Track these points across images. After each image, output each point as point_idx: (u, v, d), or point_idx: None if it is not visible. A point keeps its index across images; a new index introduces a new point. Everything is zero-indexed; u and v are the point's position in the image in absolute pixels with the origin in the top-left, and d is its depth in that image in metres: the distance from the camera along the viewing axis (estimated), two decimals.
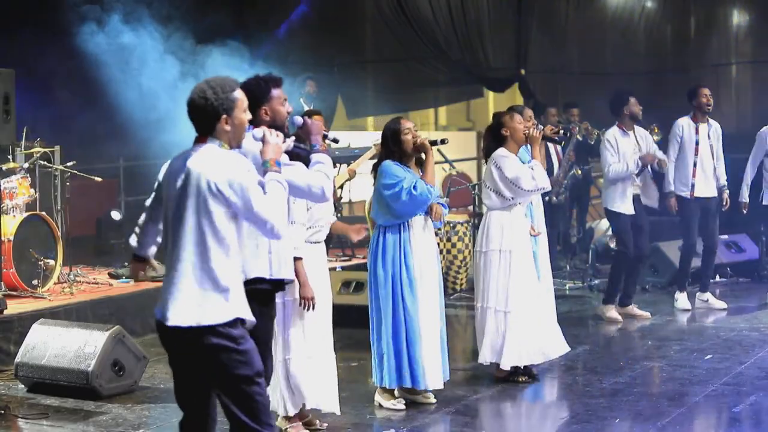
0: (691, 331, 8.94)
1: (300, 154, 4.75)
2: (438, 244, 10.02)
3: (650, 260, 10.88)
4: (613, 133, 9.14)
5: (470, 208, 11.10)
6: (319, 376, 5.75)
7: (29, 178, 9.01)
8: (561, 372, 7.42)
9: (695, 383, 6.96)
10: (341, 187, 9.66)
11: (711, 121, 9.56)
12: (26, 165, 9.06)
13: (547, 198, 9.69)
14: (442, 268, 10.03)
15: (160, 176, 4.24)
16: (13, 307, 7.82)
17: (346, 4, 14.10)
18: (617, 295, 9.33)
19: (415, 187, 6.18)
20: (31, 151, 9.23)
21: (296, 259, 5.39)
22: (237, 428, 4.05)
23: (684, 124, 9.48)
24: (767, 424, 6.25)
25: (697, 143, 9.44)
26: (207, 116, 4.04)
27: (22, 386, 6.94)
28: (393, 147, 6.33)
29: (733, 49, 14.15)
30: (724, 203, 9.58)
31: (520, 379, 7.00)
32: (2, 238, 8.28)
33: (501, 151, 6.95)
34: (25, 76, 9.62)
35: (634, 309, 9.37)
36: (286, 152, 4.42)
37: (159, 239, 4.47)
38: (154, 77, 8.46)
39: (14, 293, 8.29)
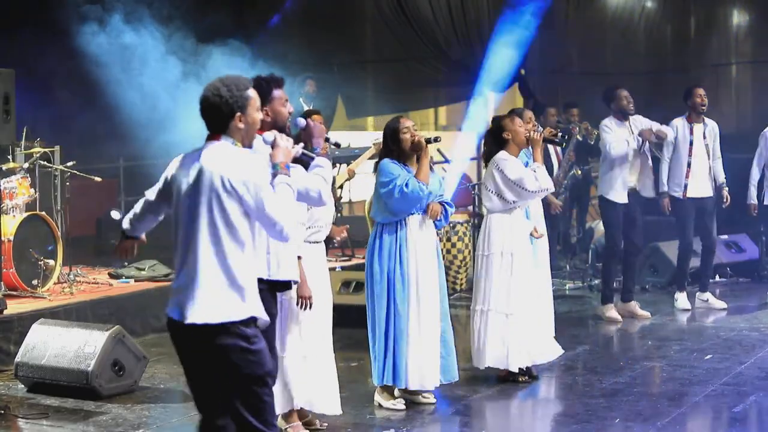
0: (691, 331, 8.95)
1: (302, 159, 4.73)
2: None
3: (650, 260, 10.90)
4: (609, 120, 9.20)
5: (470, 208, 11.10)
6: (314, 377, 5.74)
7: (29, 178, 9.00)
8: (561, 372, 7.42)
9: (695, 383, 6.96)
10: (341, 187, 9.67)
11: (707, 120, 9.56)
12: (26, 165, 9.05)
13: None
14: None
15: (169, 172, 4.21)
16: (13, 307, 7.82)
17: (346, 4, 14.09)
18: (613, 293, 9.34)
19: (406, 185, 6.19)
20: (31, 151, 9.23)
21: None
22: (242, 427, 4.05)
23: (678, 124, 9.50)
24: (767, 424, 6.25)
25: (691, 143, 9.45)
26: (221, 114, 4.04)
27: (22, 386, 6.94)
28: (392, 146, 6.35)
29: (733, 49, 14.15)
30: (725, 200, 9.57)
31: (520, 379, 7.01)
32: (2, 238, 8.28)
33: (502, 155, 6.95)
34: (25, 76, 9.62)
35: (636, 307, 9.37)
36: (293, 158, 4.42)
37: (152, 225, 4.49)
38: (155, 77, 8.46)
39: (14, 293, 8.28)
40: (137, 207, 4.50)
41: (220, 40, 8.98)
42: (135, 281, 9.23)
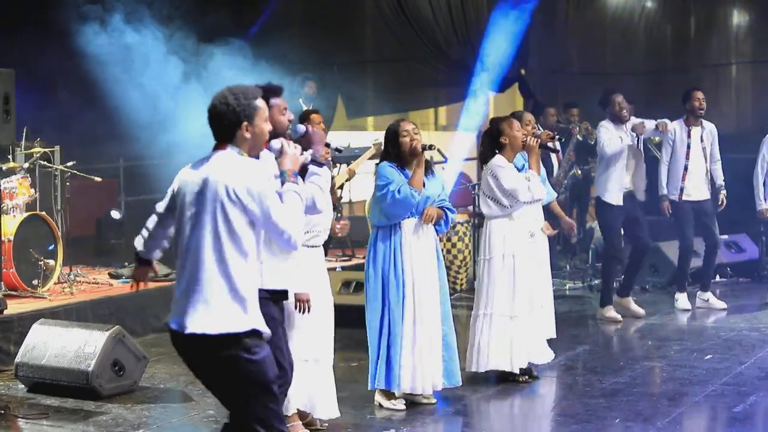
0: (691, 331, 8.95)
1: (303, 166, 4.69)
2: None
3: (650, 260, 10.91)
4: (606, 122, 9.22)
5: (470, 208, 11.10)
6: (314, 381, 5.73)
7: (29, 178, 9.01)
8: (561, 372, 7.42)
9: (695, 383, 6.96)
10: (341, 187, 9.66)
11: (705, 123, 9.57)
12: (26, 165, 9.06)
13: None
14: None
15: (175, 185, 4.19)
16: (13, 307, 7.82)
17: (346, 4, 14.08)
18: (612, 295, 9.35)
19: (399, 191, 6.19)
20: (31, 151, 9.24)
21: None
22: None
23: (676, 127, 9.52)
24: (767, 424, 6.25)
25: (688, 146, 9.47)
26: (228, 122, 4.02)
27: (22, 386, 6.94)
28: (392, 149, 6.34)
29: (733, 49, 14.15)
30: (720, 203, 9.60)
31: (520, 379, 7.01)
32: (2, 238, 8.28)
33: (498, 160, 6.95)
34: (25, 76, 9.62)
35: (630, 302, 9.40)
36: (303, 164, 4.42)
37: (166, 244, 4.44)
38: (155, 77, 8.46)
39: (14, 293, 8.29)
40: (148, 223, 4.46)
41: (220, 40, 8.98)
42: (136, 286, 9.20)
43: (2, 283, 8.26)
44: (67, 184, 9.50)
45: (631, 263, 9.39)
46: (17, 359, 6.91)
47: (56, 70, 11.38)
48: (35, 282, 8.51)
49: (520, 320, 6.90)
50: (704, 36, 14.14)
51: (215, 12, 11.10)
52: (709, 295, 9.82)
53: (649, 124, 9.35)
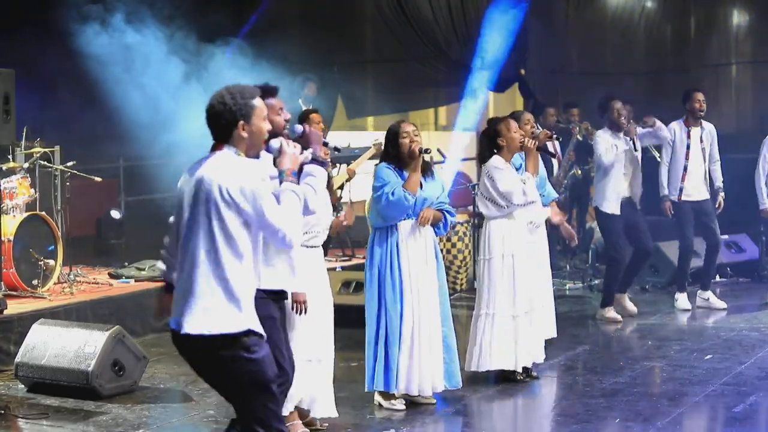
0: (691, 331, 8.95)
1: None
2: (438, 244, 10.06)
3: (650, 260, 10.90)
4: (602, 132, 9.19)
5: (470, 208, 11.10)
6: (313, 381, 5.73)
7: (29, 178, 9.01)
8: (561, 372, 7.42)
9: (695, 383, 6.96)
10: (341, 187, 9.66)
11: (705, 123, 9.58)
12: (26, 165, 9.06)
13: None
14: None
15: (178, 190, 4.17)
16: (13, 307, 7.82)
17: (346, 4, 14.08)
18: (613, 297, 9.34)
19: (393, 193, 6.19)
20: (31, 151, 9.23)
21: None
22: None
23: (675, 128, 9.53)
24: (767, 424, 6.25)
25: (688, 147, 9.48)
26: (224, 122, 4.02)
27: (22, 386, 6.94)
28: (391, 150, 6.34)
29: (733, 49, 14.15)
30: (718, 205, 9.61)
31: (519, 377, 7.01)
32: (2, 238, 8.28)
33: (495, 162, 6.95)
34: (25, 76, 9.61)
35: (626, 299, 9.42)
36: (302, 163, 4.40)
37: None
38: (155, 77, 8.46)
39: (14, 293, 8.29)
40: (165, 239, 4.42)
41: (221, 40, 8.98)
42: (135, 281, 9.23)
43: (2, 283, 8.26)
44: (67, 184, 9.50)
45: (632, 264, 9.39)
46: (17, 359, 6.91)
47: (56, 70, 11.38)
48: (35, 282, 8.51)
49: (521, 320, 6.91)
50: (704, 36, 14.14)
51: (215, 12, 11.11)
52: (709, 294, 9.82)
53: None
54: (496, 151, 6.99)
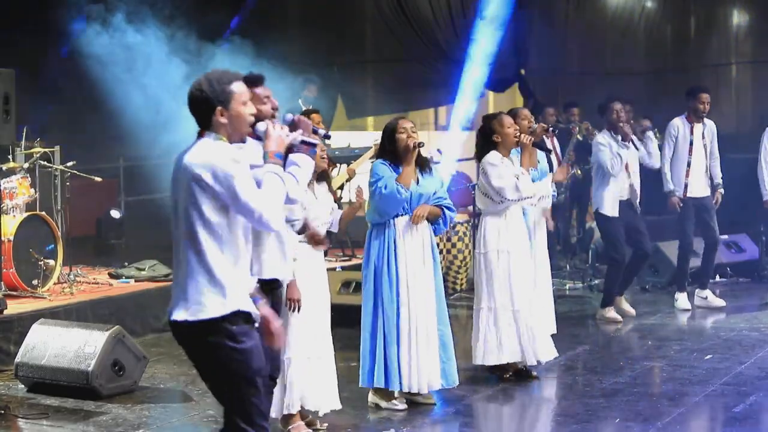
0: (691, 331, 8.95)
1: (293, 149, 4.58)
2: (438, 244, 10.06)
3: (650, 260, 10.90)
4: (602, 137, 9.15)
5: (470, 208, 11.10)
6: (314, 378, 5.73)
7: (29, 178, 9.01)
8: (561, 372, 7.42)
9: (695, 383, 6.96)
10: (341, 187, 9.67)
11: (706, 120, 9.60)
12: (26, 165, 9.06)
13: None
14: (442, 269, 10.06)
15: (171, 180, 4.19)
16: (13, 307, 7.82)
17: (346, 4, 14.09)
18: (614, 298, 9.34)
19: (386, 186, 6.19)
20: (31, 151, 9.24)
21: None
22: (229, 427, 4.02)
23: (679, 124, 9.53)
24: (767, 424, 6.25)
25: (691, 143, 9.49)
26: (203, 108, 4.01)
27: (22, 386, 6.94)
28: (388, 146, 6.34)
29: (733, 49, 14.16)
30: (715, 201, 9.62)
31: (505, 376, 7.00)
32: (2, 238, 8.28)
33: (490, 158, 6.95)
34: (25, 76, 9.62)
35: (623, 302, 9.41)
36: (291, 145, 4.35)
37: None
38: (155, 77, 8.47)
39: (14, 293, 8.29)
40: None
41: (221, 40, 8.99)
42: (135, 281, 9.24)
43: (2, 283, 8.26)
44: (67, 184, 9.50)
45: (630, 266, 9.37)
46: (17, 359, 6.91)
47: (56, 70, 11.38)
48: (35, 282, 8.51)
49: (522, 314, 6.91)
50: (704, 36, 14.15)
51: (215, 12, 11.12)
52: (707, 293, 9.82)
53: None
54: (493, 148, 6.99)
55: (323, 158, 5.87)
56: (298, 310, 5.54)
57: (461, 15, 13.42)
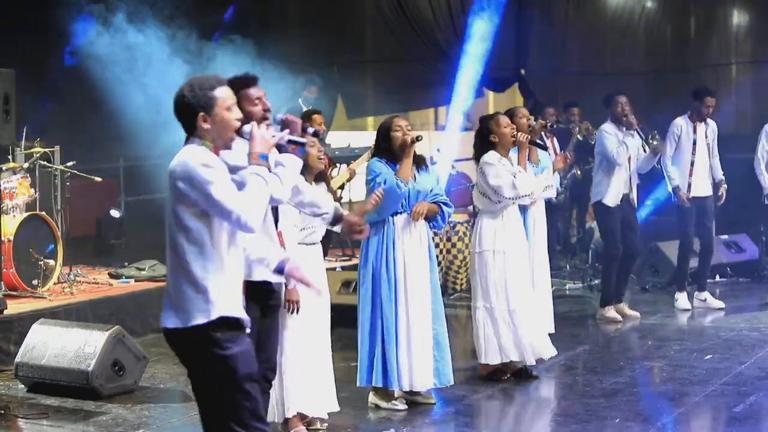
0: (691, 331, 8.95)
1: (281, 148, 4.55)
2: (438, 244, 10.07)
3: (650, 260, 10.91)
4: (608, 125, 9.18)
5: (470, 208, 11.10)
6: (313, 381, 5.72)
7: (29, 178, 9.01)
8: (561, 372, 7.42)
9: (695, 383, 6.96)
10: (341, 187, 9.66)
11: (708, 119, 9.60)
12: (26, 165, 9.06)
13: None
14: (442, 268, 10.08)
15: None
16: (13, 307, 7.82)
17: (346, 4, 14.09)
18: (612, 295, 9.34)
19: (385, 181, 6.18)
20: (31, 151, 9.23)
21: None
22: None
23: (682, 123, 9.54)
24: (767, 424, 6.25)
25: (694, 142, 9.49)
26: (186, 114, 4.01)
27: (22, 386, 6.94)
28: (383, 144, 6.34)
29: (733, 49, 14.15)
30: (720, 197, 9.62)
31: (503, 378, 7.01)
32: (2, 238, 8.28)
33: (488, 157, 6.96)
34: (25, 76, 9.62)
35: (625, 307, 9.41)
36: (279, 145, 4.32)
37: None
38: (156, 77, 8.46)
39: (14, 293, 8.29)
40: None
41: (222, 39, 8.98)
42: (135, 281, 9.24)
43: (2, 283, 8.26)
44: (67, 184, 9.50)
45: (620, 269, 9.34)
46: (17, 359, 6.91)
47: (56, 70, 11.38)
48: (35, 282, 8.51)
49: (519, 314, 6.91)
50: (704, 36, 14.14)
51: (215, 12, 11.12)
52: (706, 294, 9.82)
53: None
54: (491, 148, 6.99)
55: (321, 158, 5.86)
56: (297, 312, 5.54)
57: (461, 15, 13.42)
